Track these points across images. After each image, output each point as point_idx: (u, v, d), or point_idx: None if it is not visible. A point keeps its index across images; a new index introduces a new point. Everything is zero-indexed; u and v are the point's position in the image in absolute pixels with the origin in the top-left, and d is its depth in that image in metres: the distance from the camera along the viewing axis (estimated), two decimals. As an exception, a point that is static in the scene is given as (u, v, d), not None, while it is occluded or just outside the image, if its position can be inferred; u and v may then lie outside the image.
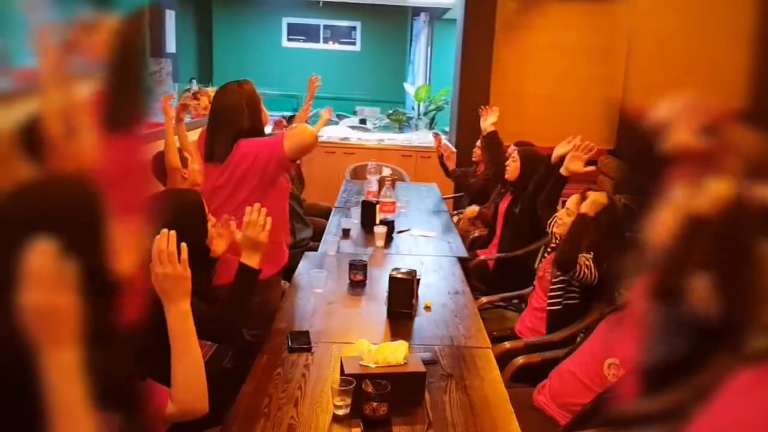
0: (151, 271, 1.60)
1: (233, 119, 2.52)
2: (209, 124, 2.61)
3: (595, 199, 2.64)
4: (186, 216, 1.96)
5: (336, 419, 1.87)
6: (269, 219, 2.13)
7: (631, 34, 6.63)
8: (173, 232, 1.66)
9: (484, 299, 3.26)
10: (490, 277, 3.74)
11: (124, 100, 1.67)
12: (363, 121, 8.91)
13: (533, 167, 3.69)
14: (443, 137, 5.76)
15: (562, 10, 6.85)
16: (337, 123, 9.08)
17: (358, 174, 5.77)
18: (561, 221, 2.82)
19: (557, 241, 2.89)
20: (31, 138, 1.18)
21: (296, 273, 3.07)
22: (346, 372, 1.96)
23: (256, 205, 2.13)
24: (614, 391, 1.92)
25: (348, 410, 1.88)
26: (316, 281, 2.84)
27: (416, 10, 10.52)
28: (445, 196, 5.14)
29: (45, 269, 0.93)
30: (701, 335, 1.32)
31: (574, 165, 3.14)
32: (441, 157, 5.30)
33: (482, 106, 4.72)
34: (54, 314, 0.95)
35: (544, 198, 3.23)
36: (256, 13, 11.10)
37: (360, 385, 1.86)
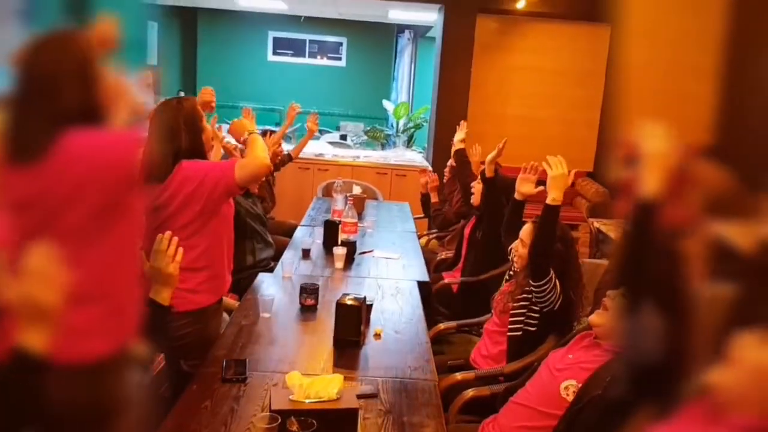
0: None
1: (170, 138, 2.40)
2: (147, 142, 2.51)
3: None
4: None
5: (259, 459, 1.76)
6: (180, 250, 1.99)
7: (616, 57, 6.61)
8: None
9: (441, 326, 3.16)
10: (453, 301, 3.65)
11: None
12: (344, 137, 8.86)
13: (497, 191, 3.62)
14: (430, 171, 5.56)
15: (541, 30, 6.83)
16: (318, 138, 9.02)
17: (330, 191, 5.68)
18: (517, 253, 2.76)
19: (516, 270, 2.82)
20: None
21: (244, 297, 2.96)
22: (273, 407, 1.86)
23: (167, 234, 1.99)
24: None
25: (272, 450, 1.77)
26: (263, 306, 2.73)
27: (401, 28, 10.50)
28: (415, 216, 5.05)
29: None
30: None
31: (524, 188, 3.07)
32: (425, 196, 5.12)
33: (459, 123, 4.65)
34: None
35: (504, 225, 3.15)
36: (242, 26, 11.05)
37: (284, 424, 1.76)
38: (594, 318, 2.10)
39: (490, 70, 6.82)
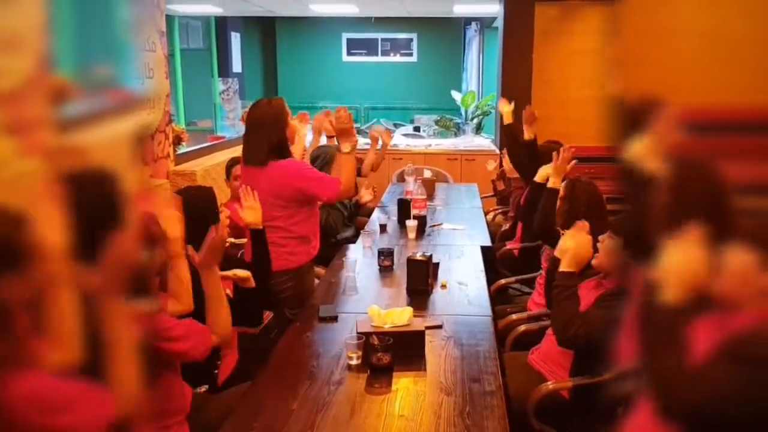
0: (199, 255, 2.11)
1: (262, 131, 2.99)
2: (244, 134, 3.09)
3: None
4: (200, 209, 2.42)
5: (349, 368, 2.30)
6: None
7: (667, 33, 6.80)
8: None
9: (503, 281, 3.63)
10: (515, 264, 4.10)
11: None
12: (417, 129, 9.35)
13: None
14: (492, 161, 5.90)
15: (601, 12, 7.10)
16: (393, 131, 9.56)
17: (403, 177, 6.20)
18: None
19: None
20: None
21: (331, 262, 3.54)
22: (358, 330, 2.40)
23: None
24: None
25: (359, 361, 2.31)
26: (348, 267, 3.29)
27: (468, 20, 10.89)
28: (483, 195, 5.51)
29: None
30: None
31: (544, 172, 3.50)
32: (494, 182, 5.55)
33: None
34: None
35: (540, 220, 3.39)
36: (318, 30, 11.70)
37: (368, 340, 2.30)
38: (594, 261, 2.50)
39: (551, 55, 7.15)
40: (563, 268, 2.43)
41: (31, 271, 1.29)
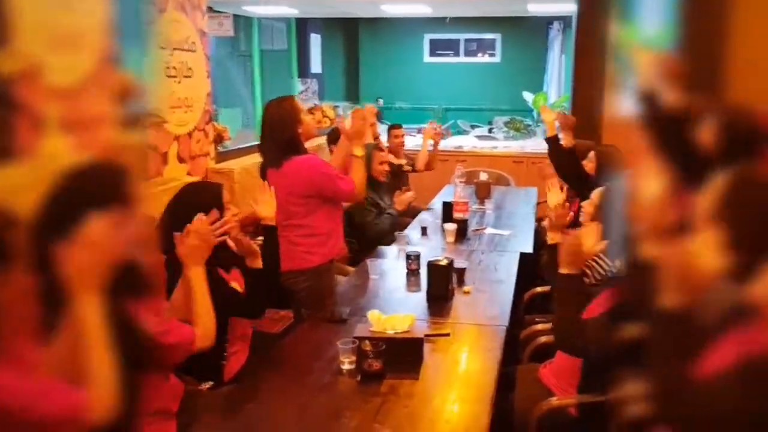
0: (180, 242, 2.10)
1: (271, 132, 2.99)
2: (259, 137, 3.12)
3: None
4: (205, 205, 2.33)
5: (341, 372, 2.26)
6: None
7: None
8: (206, 217, 2.15)
9: (538, 289, 3.49)
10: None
11: None
12: (491, 131, 9.19)
13: (610, 171, 3.82)
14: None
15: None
16: (467, 133, 9.44)
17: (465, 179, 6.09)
18: None
19: None
20: None
21: (360, 264, 3.51)
22: (355, 335, 2.36)
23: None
24: None
25: (352, 366, 2.27)
26: (372, 269, 3.26)
27: (551, 20, 10.60)
28: (540, 200, 5.32)
29: (96, 234, 1.33)
30: None
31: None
32: None
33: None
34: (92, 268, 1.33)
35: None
36: (400, 32, 11.71)
37: (361, 346, 2.25)
38: None
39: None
40: (560, 270, 2.31)
41: (17, 270, 1.34)
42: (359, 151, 2.98)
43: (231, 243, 2.39)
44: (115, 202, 1.50)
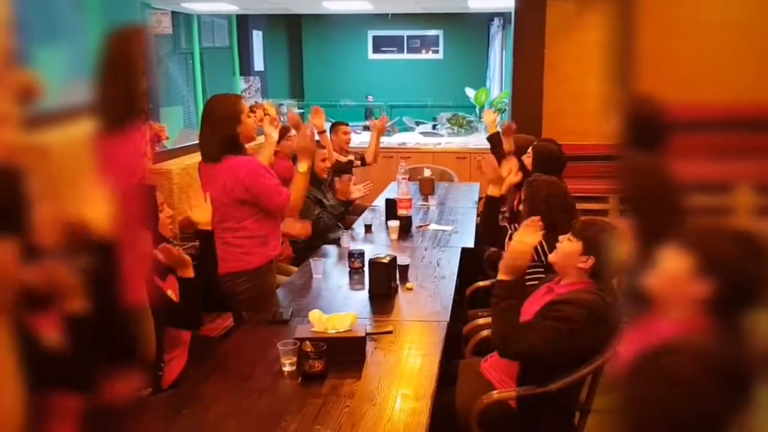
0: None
1: (213, 125, 2.92)
2: (200, 130, 3.05)
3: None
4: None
5: (282, 374, 2.24)
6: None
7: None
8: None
9: (480, 283, 3.52)
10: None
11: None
12: (435, 127, 9.24)
13: (545, 164, 3.89)
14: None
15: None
16: (412, 130, 9.47)
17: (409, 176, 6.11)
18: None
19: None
20: None
21: (302, 263, 3.48)
22: (295, 336, 2.34)
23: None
24: None
25: (293, 368, 2.25)
26: (314, 268, 3.23)
27: (491, 16, 10.72)
28: (482, 196, 5.38)
29: None
30: None
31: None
32: None
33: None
34: None
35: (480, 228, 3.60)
36: (343, 29, 11.68)
37: (301, 346, 2.23)
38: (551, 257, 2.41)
39: (566, 50, 6.95)
40: (499, 276, 2.32)
41: None
42: (303, 167, 2.96)
43: (159, 255, 2.34)
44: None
